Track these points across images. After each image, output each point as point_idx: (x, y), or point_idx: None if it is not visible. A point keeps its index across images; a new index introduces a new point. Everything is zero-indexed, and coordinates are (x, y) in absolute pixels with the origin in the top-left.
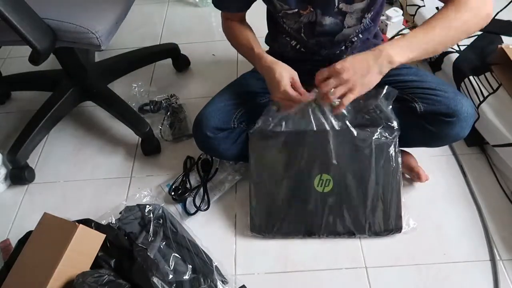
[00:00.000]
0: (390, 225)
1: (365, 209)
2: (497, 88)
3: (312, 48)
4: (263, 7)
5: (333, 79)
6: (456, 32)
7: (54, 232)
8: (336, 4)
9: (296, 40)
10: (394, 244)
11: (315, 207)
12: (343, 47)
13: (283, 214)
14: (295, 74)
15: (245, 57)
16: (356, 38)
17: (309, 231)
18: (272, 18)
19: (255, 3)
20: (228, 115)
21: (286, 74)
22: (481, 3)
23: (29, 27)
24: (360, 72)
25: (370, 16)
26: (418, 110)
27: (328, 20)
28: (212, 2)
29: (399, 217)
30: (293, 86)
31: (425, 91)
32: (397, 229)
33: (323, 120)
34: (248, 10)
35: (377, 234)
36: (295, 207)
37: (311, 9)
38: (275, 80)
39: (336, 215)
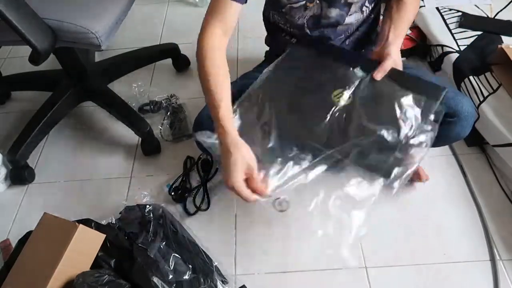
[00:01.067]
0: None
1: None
2: (497, 88)
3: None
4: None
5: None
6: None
7: (54, 232)
8: None
9: (297, 37)
10: (394, 244)
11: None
12: (343, 38)
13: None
14: (253, 164)
15: (206, 103)
16: (355, 28)
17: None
18: (269, 19)
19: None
20: None
21: (240, 165)
22: None
23: (29, 27)
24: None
25: (371, 6)
26: None
27: (334, 12)
28: None
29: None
30: (249, 179)
31: None
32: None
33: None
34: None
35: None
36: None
37: (317, 1)
38: (227, 168)
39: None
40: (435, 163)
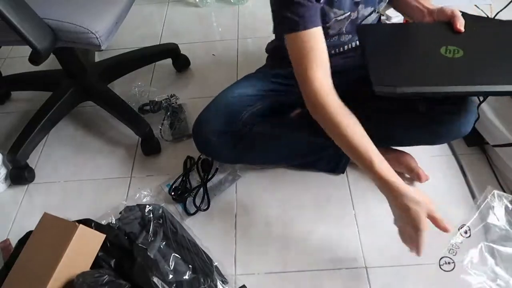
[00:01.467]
0: None
1: None
2: None
3: (335, 43)
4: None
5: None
6: None
7: (54, 232)
8: None
9: None
10: (394, 244)
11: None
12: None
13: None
14: (431, 207)
15: (349, 155)
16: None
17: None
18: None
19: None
20: (233, 115)
21: (423, 213)
22: None
23: (29, 27)
24: None
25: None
26: (420, 109)
27: (369, 11)
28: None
29: None
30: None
31: None
32: None
33: None
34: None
35: None
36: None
37: (359, 7)
38: (410, 219)
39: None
40: (435, 163)
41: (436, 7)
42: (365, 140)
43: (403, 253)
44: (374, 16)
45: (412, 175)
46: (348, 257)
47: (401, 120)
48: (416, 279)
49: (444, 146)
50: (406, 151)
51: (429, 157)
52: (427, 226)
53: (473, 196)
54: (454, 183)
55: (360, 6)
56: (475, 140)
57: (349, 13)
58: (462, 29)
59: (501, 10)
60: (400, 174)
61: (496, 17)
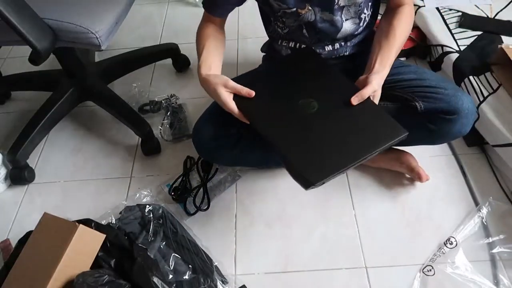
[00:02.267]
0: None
1: None
2: (497, 88)
3: (313, 45)
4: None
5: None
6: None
7: (54, 232)
8: (336, 1)
9: (295, 42)
10: (394, 244)
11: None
12: (343, 42)
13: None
14: (227, 81)
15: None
16: (357, 33)
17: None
18: (268, 26)
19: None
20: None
21: (220, 89)
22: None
23: (29, 27)
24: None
25: (370, 13)
26: (419, 109)
27: (328, 16)
28: (202, 3)
29: (391, 122)
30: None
31: (425, 89)
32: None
33: None
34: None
35: None
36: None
37: (309, 7)
38: (215, 98)
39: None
40: (435, 163)
41: (376, 72)
42: (207, 51)
43: (403, 253)
44: (350, 26)
45: (412, 174)
46: (348, 257)
47: (401, 120)
48: (416, 279)
49: (444, 146)
50: (406, 150)
51: (429, 157)
52: (226, 100)
53: (473, 196)
54: (454, 183)
55: (317, 9)
56: (475, 140)
57: (295, 9)
58: (354, 103)
59: (501, 10)
60: (401, 173)
61: (496, 17)
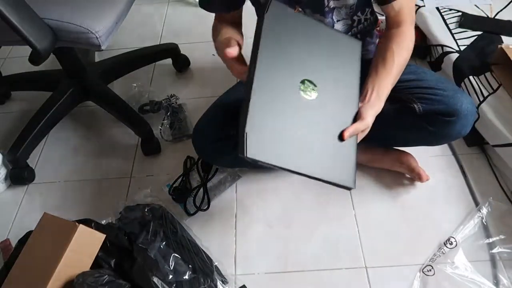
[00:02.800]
0: (337, 173)
1: None
2: (497, 88)
3: None
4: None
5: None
6: (405, 63)
7: (54, 232)
8: (326, 4)
9: None
10: (394, 244)
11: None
12: None
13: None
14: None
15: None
16: (351, 34)
17: None
18: None
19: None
20: (229, 120)
21: (224, 40)
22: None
23: (29, 27)
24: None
25: (367, 17)
26: (417, 111)
27: (319, 18)
28: (199, 3)
29: (350, 169)
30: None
31: (423, 90)
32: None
33: None
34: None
35: None
36: None
37: (299, 9)
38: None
39: None
40: (435, 163)
41: (372, 105)
42: (225, 31)
43: (403, 253)
44: (343, 28)
45: (413, 175)
46: (348, 257)
47: (400, 121)
48: (416, 280)
49: (444, 146)
50: (407, 151)
51: (429, 157)
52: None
53: (473, 196)
54: (454, 183)
55: (308, 11)
56: (475, 140)
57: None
58: (346, 137)
59: (501, 10)
60: (401, 173)
61: (496, 17)
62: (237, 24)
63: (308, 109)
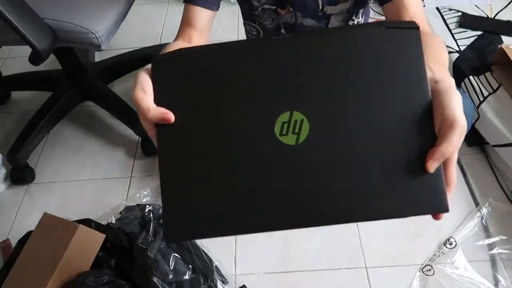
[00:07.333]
0: (424, 202)
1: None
2: (497, 88)
3: None
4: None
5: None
6: None
7: (54, 232)
8: (320, 8)
9: None
10: (394, 244)
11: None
12: None
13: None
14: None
15: None
16: None
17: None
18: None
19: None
20: None
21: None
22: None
23: (29, 27)
24: None
25: (358, 19)
26: None
27: (310, 22)
28: None
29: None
30: None
31: None
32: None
33: None
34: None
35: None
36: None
37: (290, 9)
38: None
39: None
40: None
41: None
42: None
43: (403, 253)
44: None
45: None
46: (348, 257)
47: None
48: (417, 280)
49: None
50: None
51: None
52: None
53: (473, 196)
54: None
55: (298, 14)
56: (475, 140)
57: (274, 7)
58: (431, 170)
59: (501, 10)
60: None
61: (496, 17)
62: (206, 38)
63: (299, 155)
